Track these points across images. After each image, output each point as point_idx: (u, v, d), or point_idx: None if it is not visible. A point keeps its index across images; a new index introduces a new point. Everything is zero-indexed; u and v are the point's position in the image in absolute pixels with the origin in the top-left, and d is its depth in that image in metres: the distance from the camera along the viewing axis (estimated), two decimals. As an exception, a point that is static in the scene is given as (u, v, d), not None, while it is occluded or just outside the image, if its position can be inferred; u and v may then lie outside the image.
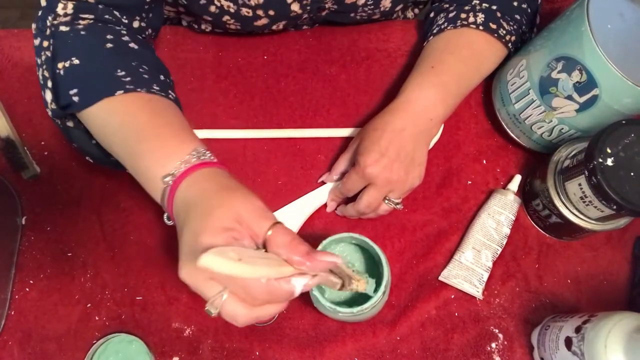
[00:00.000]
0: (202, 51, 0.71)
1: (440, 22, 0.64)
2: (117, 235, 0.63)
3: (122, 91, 0.49)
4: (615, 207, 0.51)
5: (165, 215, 0.48)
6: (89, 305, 0.60)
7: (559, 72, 0.55)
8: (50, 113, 0.53)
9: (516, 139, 0.65)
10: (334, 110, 0.69)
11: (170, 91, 0.54)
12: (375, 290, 0.50)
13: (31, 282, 0.61)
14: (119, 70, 0.51)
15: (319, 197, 0.64)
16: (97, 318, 0.60)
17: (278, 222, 0.41)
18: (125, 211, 0.64)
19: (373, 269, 0.55)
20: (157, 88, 0.52)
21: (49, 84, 0.52)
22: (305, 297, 0.60)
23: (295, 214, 0.63)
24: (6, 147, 0.65)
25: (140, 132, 0.48)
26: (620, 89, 0.51)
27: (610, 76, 0.50)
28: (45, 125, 0.67)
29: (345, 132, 0.67)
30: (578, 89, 0.54)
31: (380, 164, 0.56)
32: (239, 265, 0.37)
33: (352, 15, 0.69)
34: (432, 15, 0.68)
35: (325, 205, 0.64)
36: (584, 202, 0.55)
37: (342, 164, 0.62)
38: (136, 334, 0.59)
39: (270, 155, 0.67)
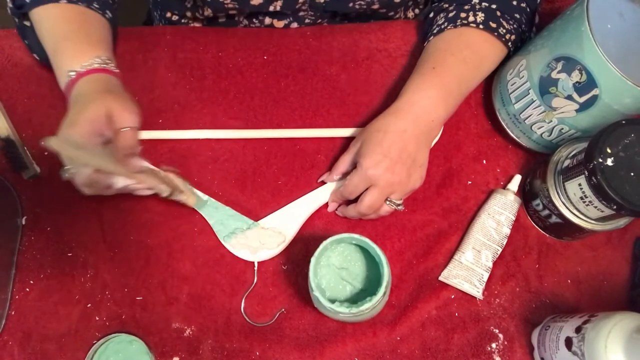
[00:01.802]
0: (202, 51, 0.71)
1: (440, 22, 0.64)
2: (117, 236, 0.63)
3: (65, 1, 0.59)
4: (615, 207, 0.51)
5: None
6: (89, 305, 0.60)
7: (558, 72, 0.55)
8: (9, 11, 0.63)
9: (516, 139, 0.65)
10: (333, 110, 0.69)
11: (107, 10, 0.63)
12: (376, 291, 0.50)
13: (31, 282, 0.61)
14: None
15: (319, 197, 0.64)
16: (97, 318, 0.60)
17: (134, 127, 0.54)
18: (125, 211, 0.64)
19: (373, 269, 0.55)
20: (97, 6, 0.61)
21: None
22: (305, 298, 0.60)
23: (295, 214, 0.63)
24: (6, 147, 0.65)
25: (66, 34, 0.58)
26: (620, 89, 0.51)
27: (610, 76, 0.50)
28: (45, 126, 0.67)
29: (345, 132, 0.67)
30: (578, 89, 0.54)
31: (382, 166, 0.56)
32: (74, 151, 0.51)
33: (351, 5, 0.69)
34: (431, 15, 0.68)
35: (325, 205, 0.64)
36: (584, 202, 0.55)
37: (342, 165, 0.62)
38: (136, 334, 0.59)
39: (270, 155, 0.67)
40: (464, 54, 0.61)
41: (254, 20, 0.74)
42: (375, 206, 0.58)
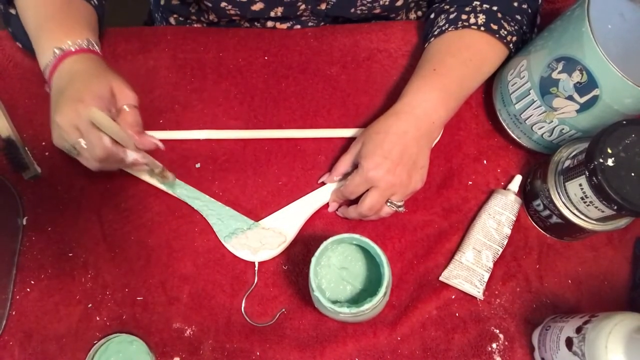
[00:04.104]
0: (203, 51, 0.72)
1: (441, 24, 0.64)
2: (117, 236, 0.63)
3: None
4: (615, 207, 0.51)
5: (46, 86, 0.59)
6: (89, 305, 0.60)
7: (559, 72, 0.55)
8: None
9: (517, 139, 0.65)
10: (334, 110, 0.69)
11: None
12: (376, 291, 0.50)
13: (32, 282, 0.61)
14: None
15: (319, 197, 0.64)
16: (97, 318, 0.60)
17: (135, 106, 0.56)
18: (125, 211, 0.64)
19: (374, 269, 0.55)
20: None
21: None
22: (305, 298, 0.60)
23: (296, 214, 0.63)
24: (7, 148, 0.65)
25: (52, 13, 0.58)
26: (621, 89, 0.51)
27: (611, 76, 0.50)
28: (46, 126, 0.67)
29: (346, 132, 0.67)
30: (578, 89, 0.54)
31: (383, 167, 0.56)
32: (114, 124, 0.52)
33: (353, 10, 0.69)
34: (432, 16, 0.68)
35: (326, 206, 0.64)
36: (585, 202, 0.55)
37: (342, 166, 0.62)
38: (137, 334, 0.59)
39: (270, 155, 0.67)
40: (465, 56, 0.61)
41: (256, 23, 0.74)
42: (376, 208, 0.58)
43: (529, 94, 0.59)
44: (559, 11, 0.62)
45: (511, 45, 0.63)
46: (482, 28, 0.61)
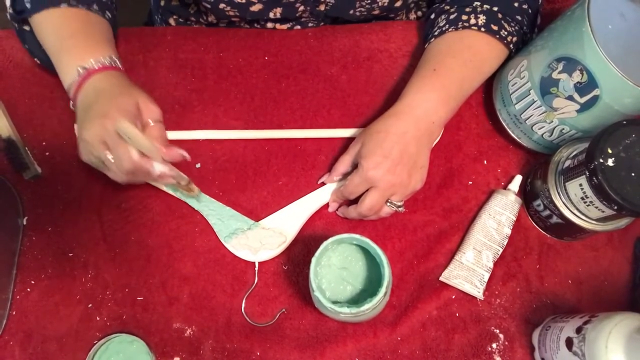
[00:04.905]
0: (203, 52, 0.72)
1: (441, 24, 0.64)
2: (117, 236, 0.63)
3: (66, 4, 0.59)
4: (616, 207, 0.51)
5: (71, 103, 0.59)
6: (90, 305, 0.60)
7: (559, 72, 0.55)
8: (9, 16, 0.63)
9: (517, 139, 0.65)
10: (334, 110, 0.69)
11: (107, 11, 0.63)
12: (377, 291, 0.50)
13: (32, 282, 0.61)
14: None
15: (319, 197, 0.64)
16: (98, 318, 0.60)
17: (160, 120, 0.57)
18: (125, 211, 0.64)
19: (374, 269, 0.55)
20: (96, 8, 0.62)
21: None
22: (306, 298, 0.60)
23: (296, 214, 0.63)
24: (7, 148, 0.65)
25: (72, 33, 0.59)
26: (621, 90, 0.51)
27: (611, 76, 0.50)
28: (46, 126, 0.67)
29: (346, 132, 0.67)
30: (579, 89, 0.54)
31: (383, 167, 0.56)
32: (142, 136, 0.52)
33: (352, 12, 0.69)
34: (432, 16, 0.68)
35: (326, 206, 0.64)
36: (585, 202, 0.55)
37: (342, 166, 0.62)
38: (137, 334, 0.59)
39: (270, 155, 0.67)
40: (465, 57, 0.61)
41: (256, 25, 0.74)
42: (376, 208, 0.58)
43: (529, 94, 0.59)
44: (559, 11, 0.62)
45: (511, 45, 0.63)
46: (483, 29, 0.61)
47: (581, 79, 0.53)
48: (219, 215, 0.63)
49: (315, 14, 0.71)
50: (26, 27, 0.64)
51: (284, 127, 0.68)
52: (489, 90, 0.69)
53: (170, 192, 0.64)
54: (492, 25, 0.61)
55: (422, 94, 0.59)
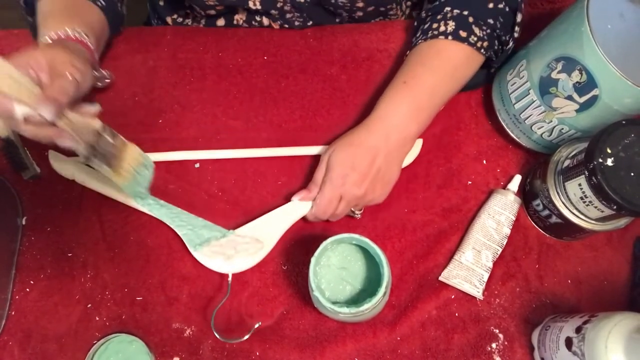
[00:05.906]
0: (202, 51, 0.72)
1: (417, 35, 0.65)
2: (117, 236, 0.63)
3: None
4: (615, 207, 0.51)
5: None
6: (89, 305, 0.60)
7: (559, 72, 0.55)
8: (23, 12, 0.65)
9: (516, 139, 0.65)
10: (334, 110, 0.69)
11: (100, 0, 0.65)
12: (376, 291, 0.50)
13: (31, 282, 0.61)
14: None
15: (299, 208, 0.62)
16: (97, 318, 0.60)
17: (73, 80, 0.50)
18: (125, 211, 0.64)
19: (373, 269, 0.55)
20: None
21: None
22: (305, 298, 0.60)
23: (274, 223, 0.62)
24: (7, 148, 0.65)
25: (51, 11, 0.61)
26: (620, 89, 0.51)
27: (610, 76, 0.50)
28: (45, 126, 0.67)
29: (313, 150, 0.66)
30: (578, 89, 0.54)
31: (349, 180, 0.57)
32: (9, 66, 0.45)
33: (334, 1, 0.68)
34: (415, 24, 0.68)
35: None
36: (584, 202, 0.55)
37: (319, 175, 0.61)
38: (136, 334, 0.59)
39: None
40: (434, 64, 0.61)
41: (252, 22, 0.74)
42: (335, 213, 0.60)
43: (529, 93, 0.59)
44: (558, 11, 0.62)
45: (483, 50, 0.62)
46: (450, 37, 0.60)
47: (580, 78, 0.53)
48: (190, 226, 0.61)
49: (297, 6, 0.69)
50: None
51: (284, 127, 0.68)
52: (488, 90, 0.69)
53: (140, 207, 0.61)
54: (460, 32, 0.60)
55: (392, 107, 0.60)
